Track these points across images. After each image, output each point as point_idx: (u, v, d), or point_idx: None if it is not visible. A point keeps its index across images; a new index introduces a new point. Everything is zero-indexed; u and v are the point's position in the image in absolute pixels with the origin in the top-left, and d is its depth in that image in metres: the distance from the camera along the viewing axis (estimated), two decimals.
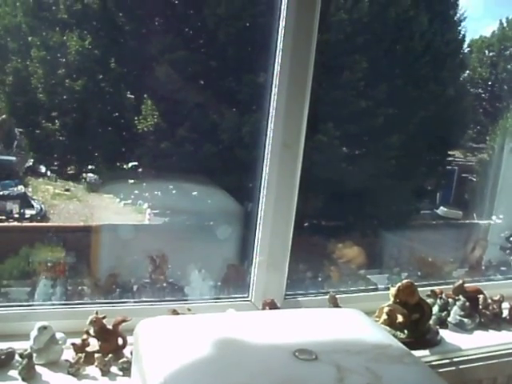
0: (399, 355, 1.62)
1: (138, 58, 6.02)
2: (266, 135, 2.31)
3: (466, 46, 7.74)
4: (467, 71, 7.87)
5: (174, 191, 6.30)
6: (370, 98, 6.50)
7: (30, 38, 5.74)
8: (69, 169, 6.57)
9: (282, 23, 2.24)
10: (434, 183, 8.06)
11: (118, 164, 6.50)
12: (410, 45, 6.87)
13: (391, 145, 6.67)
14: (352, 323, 1.81)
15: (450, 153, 7.85)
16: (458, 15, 7.55)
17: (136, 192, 6.40)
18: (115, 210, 6.32)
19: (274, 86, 2.28)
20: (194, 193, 6.15)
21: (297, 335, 1.65)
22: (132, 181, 6.35)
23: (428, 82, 7.02)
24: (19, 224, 5.87)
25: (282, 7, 2.23)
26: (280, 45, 2.25)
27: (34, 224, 5.96)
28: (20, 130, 6.31)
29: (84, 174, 6.52)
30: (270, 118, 2.30)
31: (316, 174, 5.56)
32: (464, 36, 7.61)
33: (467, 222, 7.08)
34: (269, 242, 2.33)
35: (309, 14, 2.23)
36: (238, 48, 6.11)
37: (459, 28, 7.53)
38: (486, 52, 7.84)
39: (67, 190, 6.47)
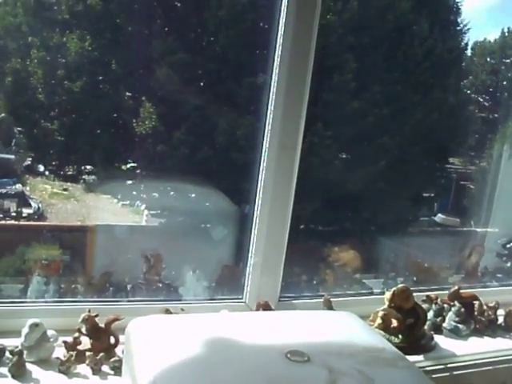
0: (392, 359, 1.61)
1: (138, 59, 6.02)
2: (264, 137, 2.31)
3: (468, 52, 7.77)
4: (470, 76, 7.88)
5: (171, 193, 6.30)
6: (368, 103, 6.51)
7: (30, 39, 5.74)
8: (67, 168, 6.57)
9: (281, 26, 2.23)
10: (433, 190, 8.07)
11: (116, 165, 6.50)
12: (411, 50, 6.88)
13: (390, 151, 6.68)
14: (345, 326, 1.80)
15: (448, 160, 7.86)
16: (460, 23, 7.57)
17: (134, 193, 6.40)
18: (113, 210, 6.32)
19: (272, 87, 2.28)
20: (192, 195, 6.14)
21: (289, 336, 1.64)
22: (130, 182, 6.34)
23: (428, 89, 7.02)
24: (16, 222, 5.86)
25: (282, 10, 2.23)
26: (279, 47, 2.25)
27: (31, 223, 5.95)
28: (19, 129, 6.31)
29: (82, 174, 6.51)
30: (267, 119, 2.29)
31: (313, 177, 5.57)
32: (466, 44, 7.64)
33: (465, 229, 7.08)
34: (264, 243, 2.32)
35: (309, 16, 2.23)
36: (238, 51, 6.11)
37: (461, 35, 7.56)
38: (488, 59, 7.86)
39: (65, 190, 6.47)
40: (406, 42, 6.86)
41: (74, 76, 5.85)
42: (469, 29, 7.49)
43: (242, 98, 5.97)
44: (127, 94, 6.21)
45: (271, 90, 2.27)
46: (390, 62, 6.76)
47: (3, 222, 5.87)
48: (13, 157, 6.36)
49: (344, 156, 6.70)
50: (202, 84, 6.33)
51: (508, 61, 7.68)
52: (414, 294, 2.42)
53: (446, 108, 7.18)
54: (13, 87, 5.98)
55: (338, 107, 6.41)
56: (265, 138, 2.30)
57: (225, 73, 6.23)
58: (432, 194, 8.09)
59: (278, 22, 2.25)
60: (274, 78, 2.26)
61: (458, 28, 7.56)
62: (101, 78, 6.06)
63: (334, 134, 6.30)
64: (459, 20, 7.55)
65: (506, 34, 7.67)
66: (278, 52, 2.25)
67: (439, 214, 7.68)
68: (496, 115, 7.44)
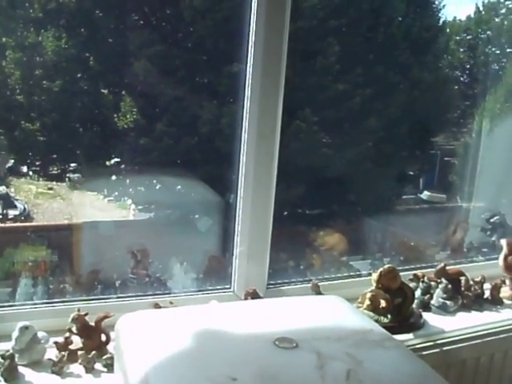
0: (380, 340, 1.64)
1: (116, 54, 5.98)
2: (242, 126, 2.32)
3: (445, 29, 7.77)
4: (447, 54, 7.89)
5: (157, 186, 6.29)
6: (348, 83, 6.51)
7: (3, 39, 5.69)
8: (51, 168, 6.53)
9: (253, 13, 2.24)
10: (417, 168, 8.09)
11: (100, 161, 6.47)
12: (389, 30, 6.88)
13: (372, 131, 6.69)
14: (333, 310, 1.82)
15: (431, 137, 7.88)
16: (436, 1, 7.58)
17: (120, 188, 6.38)
18: (99, 206, 6.30)
19: (247, 76, 2.28)
20: (177, 186, 6.13)
21: (277, 324, 1.66)
22: (115, 177, 6.33)
23: (407, 68, 7.03)
24: (3, 225, 5.84)
25: None
26: (252, 35, 2.25)
27: (18, 224, 5.93)
28: None
29: (66, 173, 6.49)
30: (245, 108, 2.30)
31: (295, 161, 5.57)
32: (444, 22, 7.64)
33: (451, 205, 7.11)
34: (248, 232, 2.34)
35: (280, 1, 2.23)
36: (215, 40, 6.09)
37: (437, 13, 7.56)
38: (464, 35, 7.87)
39: (50, 189, 6.44)
40: (383, 22, 6.87)
41: (53, 75, 5.81)
42: (444, 5, 7.51)
43: (222, 87, 5.95)
44: (106, 89, 6.19)
45: (247, 79, 2.28)
46: (370, 44, 6.76)
47: None
48: None
49: (326, 139, 6.71)
50: (180, 75, 6.30)
51: (484, 36, 7.69)
52: (401, 273, 2.44)
53: (426, 86, 7.20)
54: None
55: (322, 90, 6.41)
56: (243, 127, 2.31)
57: (203, 63, 6.21)
58: (417, 172, 8.12)
59: (251, 9, 2.25)
60: (249, 66, 2.27)
61: (434, 5, 7.58)
62: (79, 75, 6.01)
63: (314, 116, 6.30)
64: None
65: (481, 8, 7.69)
66: (252, 40, 2.26)
67: (425, 191, 7.70)
68: (475, 90, 7.46)
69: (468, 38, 7.91)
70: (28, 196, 6.40)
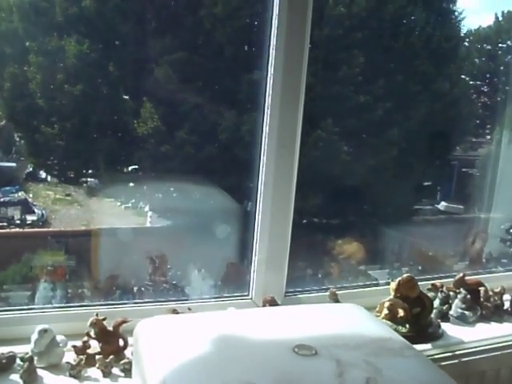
0: (399, 348, 1.63)
1: (136, 60, 6.01)
2: (262, 134, 2.32)
3: (465, 39, 7.75)
4: (466, 63, 7.87)
5: (174, 194, 6.30)
6: (368, 94, 6.50)
7: (27, 44, 5.73)
8: (69, 173, 6.56)
9: (274, 21, 2.24)
10: (435, 178, 8.05)
11: (119, 167, 6.49)
12: (409, 40, 6.86)
13: (391, 141, 6.67)
14: (351, 318, 1.81)
15: (450, 147, 7.85)
16: (456, 11, 7.56)
17: (137, 195, 6.40)
18: (116, 213, 6.32)
19: (268, 84, 2.28)
20: (195, 194, 6.15)
21: (296, 331, 1.65)
22: (132, 184, 6.35)
23: (428, 78, 7.01)
24: (21, 230, 5.87)
25: (275, 5, 2.24)
26: (273, 43, 2.26)
27: (36, 230, 5.96)
28: (19, 135, 6.31)
29: (84, 179, 6.51)
30: (265, 116, 2.30)
31: (315, 170, 5.56)
32: (465, 32, 7.63)
33: (469, 215, 7.07)
34: (268, 240, 2.34)
35: (301, 10, 2.24)
36: (235, 48, 6.11)
37: (458, 23, 7.54)
38: (484, 45, 7.85)
39: (68, 195, 6.47)
40: (404, 32, 6.86)
41: (74, 80, 5.85)
42: (464, 17, 7.48)
43: (242, 95, 5.97)
44: (127, 95, 6.21)
45: (267, 87, 2.28)
46: (391, 54, 6.76)
47: (8, 230, 5.88)
48: (14, 164, 6.37)
49: (346, 149, 6.69)
50: (201, 82, 6.32)
51: (504, 45, 7.66)
52: (420, 282, 2.43)
53: (447, 97, 7.17)
54: (11, 93, 5.98)
55: (340, 99, 6.41)
56: (263, 136, 2.31)
57: (223, 70, 6.23)
58: (435, 183, 8.08)
59: (272, 17, 2.26)
60: (270, 74, 2.27)
61: (454, 16, 7.55)
62: (100, 80, 6.05)
63: (335, 126, 6.30)
64: (454, 8, 7.54)
65: (500, 18, 7.66)
66: (273, 48, 2.26)
67: (442, 202, 7.67)
68: (495, 100, 7.43)
69: (488, 47, 7.87)
70: (46, 202, 6.43)
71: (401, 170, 6.92)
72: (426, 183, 7.92)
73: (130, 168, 6.43)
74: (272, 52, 2.26)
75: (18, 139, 6.38)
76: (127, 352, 2.01)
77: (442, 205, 7.63)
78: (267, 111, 2.28)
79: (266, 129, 2.29)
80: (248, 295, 2.42)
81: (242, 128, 5.77)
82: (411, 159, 7.05)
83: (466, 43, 7.83)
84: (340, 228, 6.54)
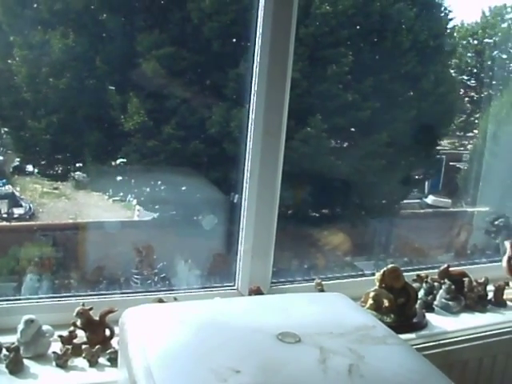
0: (382, 336, 1.64)
1: (123, 55, 5.99)
2: (248, 125, 2.33)
3: (451, 35, 7.77)
4: (453, 59, 7.90)
5: (162, 187, 6.30)
6: (357, 91, 6.52)
7: (11, 38, 5.70)
8: (56, 167, 6.55)
9: (260, 15, 2.25)
10: (422, 172, 8.09)
11: (106, 161, 6.48)
12: (397, 38, 6.88)
13: (379, 135, 6.69)
14: (336, 306, 1.83)
15: (438, 142, 7.88)
16: (443, 7, 7.57)
17: (125, 188, 6.39)
18: (104, 206, 6.32)
19: (254, 76, 2.29)
20: (183, 187, 6.15)
21: (281, 319, 1.66)
22: (120, 177, 6.34)
23: (415, 73, 7.04)
24: (8, 223, 5.86)
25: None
26: (259, 36, 2.27)
27: (23, 223, 5.95)
28: (5, 129, 6.29)
29: (72, 172, 6.50)
30: (251, 107, 2.31)
31: (304, 165, 5.58)
32: (452, 29, 7.65)
33: (456, 209, 7.11)
34: (253, 230, 2.35)
35: (286, 4, 2.25)
36: (223, 42, 6.11)
37: (445, 19, 7.56)
38: (470, 40, 7.89)
39: (55, 189, 6.46)
40: (392, 30, 6.87)
41: (59, 73, 5.82)
42: (450, 11, 7.50)
43: (229, 89, 5.97)
44: (113, 89, 6.19)
45: (253, 78, 2.29)
46: (378, 52, 6.78)
47: None
48: (1, 158, 6.35)
49: (334, 143, 6.71)
50: (188, 77, 6.32)
51: (491, 40, 7.70)
52: (405, 273, 2.45)
53: (434, 92, 7.20)
54: None
55: (328, 97, 6.42)
56: (249, 127, 2.32)
57: (211, 65, 6.22)
58: (422, 176, 8.12)
59: (257, 12, 2.27)
60: (256, 66, 2.28)
61: (441, 12, 7.57)
62: (86, 74, 6.02)
63: (323, 122, 6.31)
64: (443, 3, 7.57)
65: (487, 13, 7.70)
66: (259, 41, 2.27)
67: (430, 196, 7.71)
68: (481, 95, 7.47)
69: (475, 42, 7.91)
70: (33, 195, 6.42)
71: (389, 163, 6.94)
72: (413, 177, 7.96)
73: (117, 161, 6.41)
74: (258, 44, 2.27)
75: (4, 133, 6.36)
76: (113, 342, 2.02)
77: (430, 198, 7.67)
78: (253, 100, 2.29)
79: (251, 118, 2.30)
80: (234, 285, 2.43)
81: (230, 122, 5.78)
82: (398, 152, 7.07)
83: (453, 39, 7.85)
84: (326, 219, 6.56)
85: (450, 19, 7.52)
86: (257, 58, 2.28)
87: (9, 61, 5.70)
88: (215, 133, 5.99)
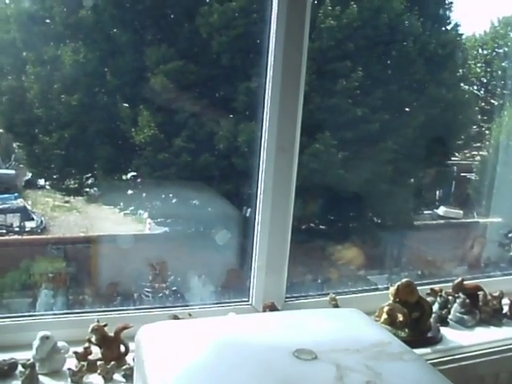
0: (399, 352, 1.63)
1: (133, 69, 6.03)
2: (261, 140, 2.33)
3: (461, 46, 7.77)
4: (462, 70, 7.89)
5: (173, 200, 6.31)
6: (366, 104, 6.52)
7: (24, 54, 5.75)
8: (68, 181, 6.58)
9: (273, 28, 2.26)
10: (434, 183, 8.07)
11: (117, 175, 6.51)
12: (405, 49, 6.88)
13: (389, 148, 6.68)
14: (351, 322, 1.82)
15: (449, 153, 7.86)
16: (452, 17, 7.58)
17: (136, 202, 6.41)
18: (115, 220, 6.33)
19: (267, 90, 2.29)
20: (194, 201, 6.16)
21: (296, 335, 1.66)
22: (131, 191, 6.36)
23: (424, 85, 7.04)
24: (20, 237, 5.88)
25: (273, 14, 2.25)
26: (272, 50, 2.27)
27: (35, 237, 5.97)
28: (18, 144, 6.34)
29: (83, 186, 6.52)
30: (264, 122, 2.31)
31: (315, 180, 5.58)
32: (461, 37, 7.64)
33: (468, 220, 7.08)
34: (267, 245, 2.34)
35: (299, 18, 2.25)
36: (232, 56, 6.13)
37: (454, 30, 7.56)
38: (480, 50, 7.88)
39: (67, 202, 6.49)
40: (399, 40, 6.87)
41: (71, 89, 5.86)
42: (457, 23, 7.51)
43: (239, 103, 5.99)
44: (124, 103, 6.22)
45: (266, 93, 2.29)
46: (387, 64, 6.79)
47: (6, 237, 5.89)
48: (13, 172, 6.39)
49: (345, 156, 6.71)
50: (198, 90, 6.34)
51: (501, 51, 7.69)
52: (419, 287, 2.43)
53: (444, 104, 7.19)
54: (9, 103, 6.00)
55: (337, 111, 6.42)
56: (262, 141, 2.32)
57: (220, 79, 6.24)
58: (433, 188, 8.10)
59: (270, 26, 2.27)
60: (269, 81, 2.28)
61: (449, 22, 7.58)
62: (97, 89, 6.06)
63: (332, 138, 6.31)
64: (450, 14, 7.57)
65: (496, 24, 7.70)
66: (271, 55, 2.27)
67: (442, 207, 7.69)
68: (492, 106, 7.45)
69: (484, 53, 7.90)
70: (45, 209, 6.45)
71: (400, 176, 6.94)
72: (425, 188, 7.94)
73: (128, 175, 6.44)
74: (270, 59, 2.27)
75: (16, 148, 6.40)
76: (128, 358, 2.02)
77: (442, 209, 7.65)
78: (266, 117, 2.29)
79: (264, 134, 2.30)
80: (248, 301, 2.42)
81: (237, 137, 5.79)
82: (410, 165, 7.06)
83: (463, 49, 7.84)
84: (339, 234, 6.55)
85: (459, 32, 7.51)
86: (270, 72, 2.28)
87: (22, 78, 5.74)
88: (223, 148, 6.01)
